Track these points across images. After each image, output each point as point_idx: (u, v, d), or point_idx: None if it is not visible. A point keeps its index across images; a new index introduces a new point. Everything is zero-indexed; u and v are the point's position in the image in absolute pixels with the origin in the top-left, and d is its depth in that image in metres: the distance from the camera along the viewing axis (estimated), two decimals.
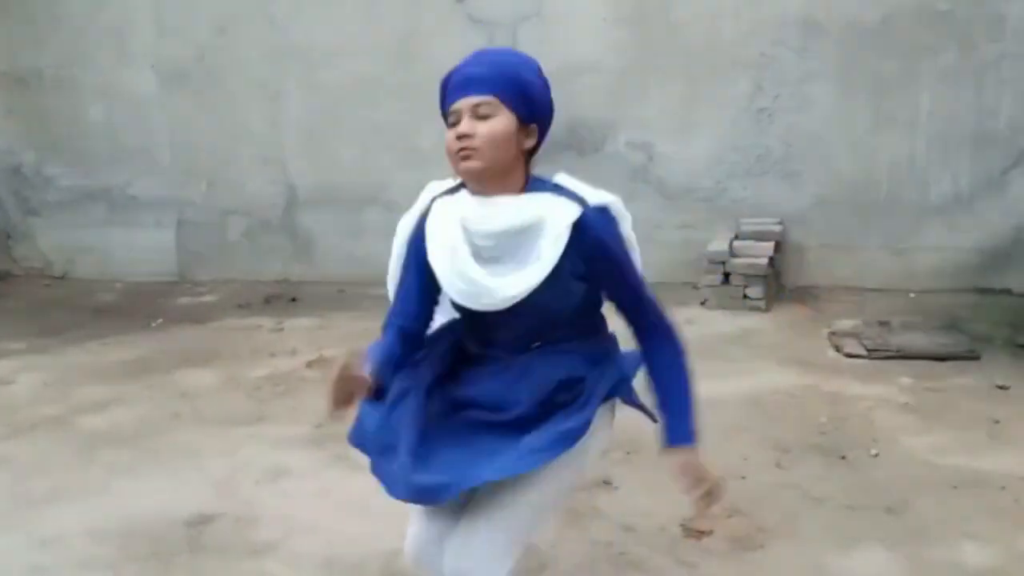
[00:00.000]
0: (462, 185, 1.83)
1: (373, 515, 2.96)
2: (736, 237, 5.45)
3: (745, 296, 5.20)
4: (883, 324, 4.82)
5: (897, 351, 4.38)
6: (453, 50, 6.69)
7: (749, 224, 5.55)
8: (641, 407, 1.92)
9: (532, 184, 1.79)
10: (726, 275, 5.24)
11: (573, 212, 1.72)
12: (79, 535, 2.88)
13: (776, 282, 5.50)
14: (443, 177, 5.79)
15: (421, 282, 1.86)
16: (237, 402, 4.06)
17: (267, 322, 5.34)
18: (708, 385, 4.17)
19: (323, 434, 3.64)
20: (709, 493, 1.82)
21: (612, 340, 1.95)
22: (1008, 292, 5.35)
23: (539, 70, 1.81)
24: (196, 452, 3.51)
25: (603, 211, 1.79)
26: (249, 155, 6.32)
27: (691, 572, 2.59)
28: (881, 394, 3.89)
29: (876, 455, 3.30)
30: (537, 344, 1.81)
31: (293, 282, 6.27)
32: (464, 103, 1.74)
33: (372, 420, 1.82)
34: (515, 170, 1.76)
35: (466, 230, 1.73)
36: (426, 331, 1.96)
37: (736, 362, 4.35)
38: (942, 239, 5.46)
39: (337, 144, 6.16)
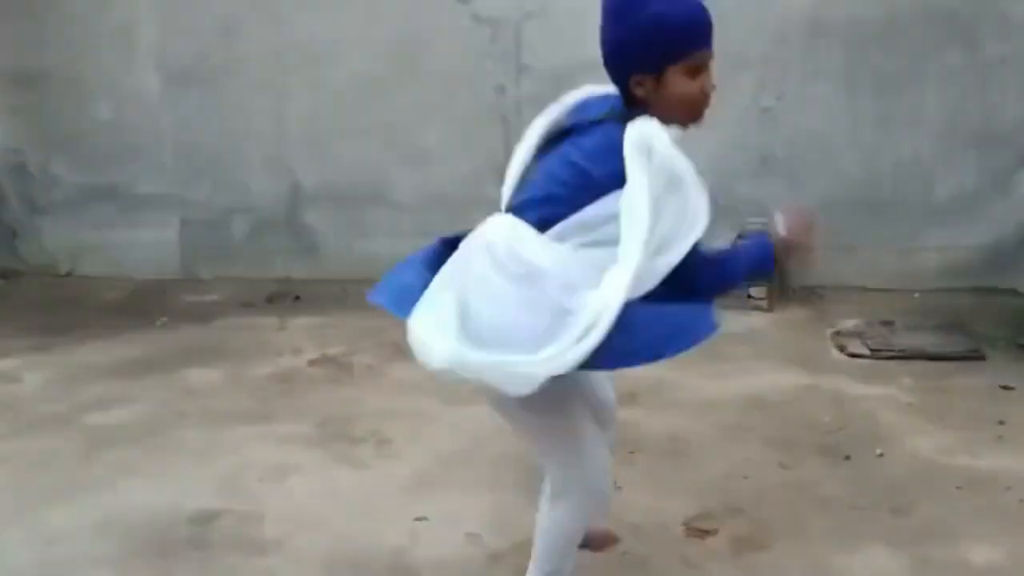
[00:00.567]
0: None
1: (377, 513, 2.97)
2: (739, 236, 5.43)
3: (748, 296, 5.20)
4: (887, 324, 4.82)
5: (901, 351, 4.38)
6: (456, 49, 6.71)
7: (753, 223, 5.54)
8: None
9: None
10: None
11: None
12: (84, 532, 2.89)
13: (780, 282, 5.49)
14: (447, 182, 5.82)
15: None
16: (241, 400, 4.06)
17: (271, 321, 5.35)
18: (711, 385, 4.20)
19: (328, 432, 3.65)
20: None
21: None
22: (1013, 292, 5.34)
23: None
24: (201, 450, 3.52)
25: None
26: (253, 154, 6.33)
27: (695, 572, 2.59)
28: (885, 394, 3.89)
29: (880, 455, 3.30)
30: None
31: (297, 281, 6.28)
32: (711, 55, 1.75)
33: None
34: None
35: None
36: None
37: (739, 362, 4.35)
38: (947, 239, 5.45)
39: (341, 143, 6.16)
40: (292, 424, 3.74)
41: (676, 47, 1.72)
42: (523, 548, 2.71)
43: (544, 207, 1.78)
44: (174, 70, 6.33)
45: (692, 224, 1.77)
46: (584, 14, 6.46)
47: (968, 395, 3.87)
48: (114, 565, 2.70)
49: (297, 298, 5.90)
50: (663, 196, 1.72)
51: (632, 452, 3.36)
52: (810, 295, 5.52)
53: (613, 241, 1.68)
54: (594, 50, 5.43)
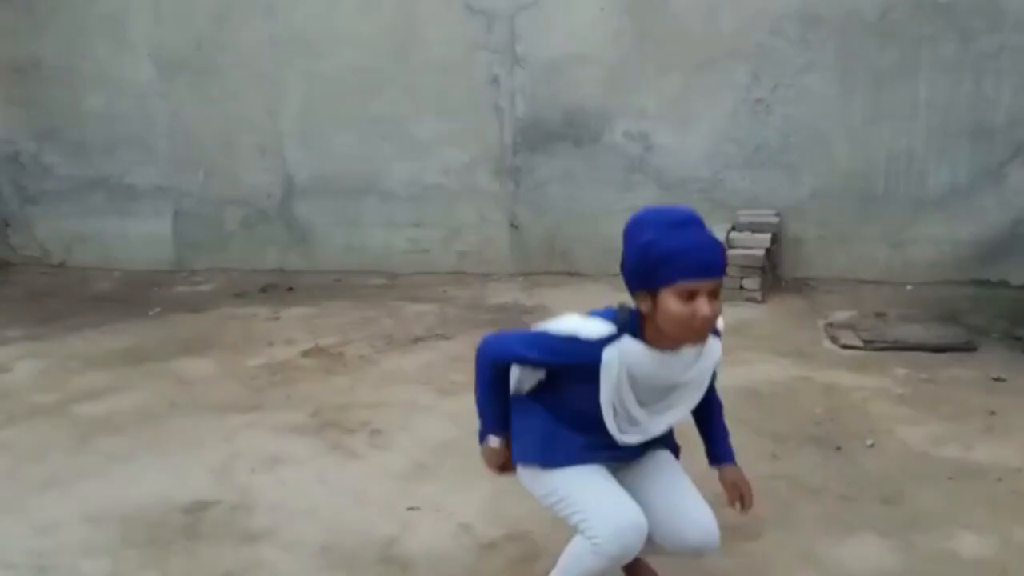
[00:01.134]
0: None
1: (369, 503, 2.97)
2: (733, 228, 5.45)
3: (741, 287, 5.21)
4: (880, 316, 4.83)
5: (893, 343, 4.39)
6: (451, 40, 6.70)
7: (746, 215, 5.55)
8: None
9: None
10: None
11: (718, 348, 2.09)
12: (77, 522, 2.89)
13: (772, 274, 5.51)
14: (439, 167, 5.84)
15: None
16: (234, 390, 4.06)
17: (264, 311, 5.34)
18: None
19: (320, 422, 3.65)
20: (747, 502, 2.21)
21: None
22: (1005, 284, 5.36)
23: None
24: (193, 440, 3.51)
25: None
26: (246, 145, 6.31)
27: (686, 560, 2.59)
28: (877, 385, 3.90)
29: (872, 446, 3.31)
30: None
31: (290, 271, 6.27)
32: (707, 285, 1.87)
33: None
34: None
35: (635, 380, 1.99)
36: None
37: (732, 353, 4.31)
38: (939, 231, 5.47)
39: (334, 134, 6.15)
40: (285, 414, 3.74)
41: (662, 274, 1.86)
42: (515, 538, 2.72)
43: None
44: (167, 60, 6.30)
45: None
46: (577, 6, 6.48)
47: (960, 386, 3.88)
48: (107, 554, 2.70)
49: (290, 289, 5.90)
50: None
51: None
52: (803, 287, 5.53)
53: None
54: (586, 41, 5.52)
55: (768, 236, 5.33)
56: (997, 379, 3.94)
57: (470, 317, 5.09)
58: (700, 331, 1.90)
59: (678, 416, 2.12)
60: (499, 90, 5.85)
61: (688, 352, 1.99)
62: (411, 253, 6.14)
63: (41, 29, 6.44)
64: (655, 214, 1.97)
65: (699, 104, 5.66)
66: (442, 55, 5.86)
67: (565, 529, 2.75)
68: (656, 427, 2.09)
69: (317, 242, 6.33)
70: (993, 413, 3.58)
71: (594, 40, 5.66)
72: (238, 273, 6.26)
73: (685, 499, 2.15)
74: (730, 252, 5.21)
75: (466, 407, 3.75)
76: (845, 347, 4.39)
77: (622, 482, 2.11)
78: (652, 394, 2.03)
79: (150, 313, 5.40)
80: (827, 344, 4.48)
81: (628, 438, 2.07)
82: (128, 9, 6.30)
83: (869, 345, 4.38)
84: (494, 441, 2.20)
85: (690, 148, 5.71)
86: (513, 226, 6.00)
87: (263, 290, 5.87)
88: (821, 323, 4.78)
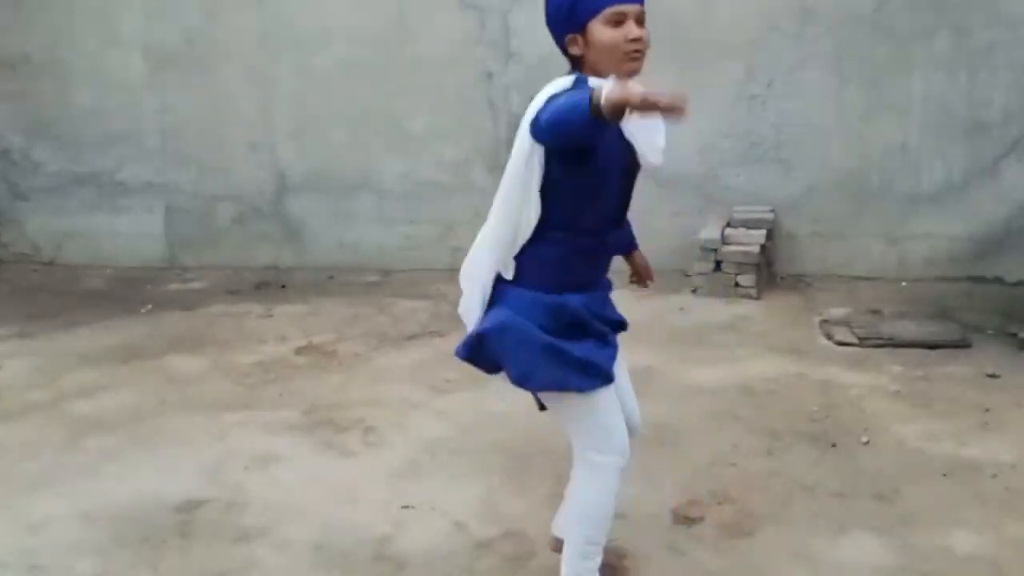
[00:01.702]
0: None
1: (363, 501, 2.96)
2: (728, 225, 5.44)
3: (736, 284, 5.20)
4: (874, 312, 4.83)
5: (888, 339, 4.39)
6: (444, 35, 6.67)
7: (741, 212, 5.54)
8: None
9: None
10: (717, 263, 5.24)
11: None
12: (68, 520, 2.87)
13: (768, 270, 5.50)
14: (432, 166, 5.84)
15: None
16: (226, 388, 4.04)
17: (256, 308, 5.32)
18: (699, 372, 4.21)
19: (312, 420, 3.64)
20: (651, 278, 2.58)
21: None
22: (1000, 281, 5.37)
23: None
24: (185, 438, 3.49)
25: None
26: (238, 140, 6.27)
27: (681, 559, 2.59)
28: (872, 382, 3.90)
29: (867, 443, 3.31)
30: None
31: (282, 268, 6.25)
32: (632, 9, 1.94)
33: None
34: None
35: None
36: None
37: (727, 350, 4.35)
38: (934, 227, 5.47)
39: (327, 129, 6.12)
40: (277, 412, 3.72)
41: (587, 4, 1.92)
42: (509, 536, 2.71)
43: None
44: (157, 55, 6.26)
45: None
46: None
47: (954, 383, 3.89)
48: (98, 553, 2.68)
49: (283, 286, 5.87)
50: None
51: None
52: (798, 283, 5.53)
53: None
54: None
55: (763, 232, 5.32)
56: (991, 376, 3.94)
57: None
58: (635, 56, 1.94)
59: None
60: (493, 86, 5.83)
61: None
62: (405, 250, 6.12)
63: (30, 24, 6.38)
64: None
65: (694, 100, 5.53)
66: (435, 50, 5.83)
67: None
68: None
69: (310, 239, 6.30)
70: (987, 410, 3.58)
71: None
72: (230, 270, 6.23)
73: (630, 391, 2.32)
74: (725, 249, 5.22)
75: (460, 404, 3.76)
76: (840, 344, 4.39)
77: None
78: None
79: (142, 310, 5.37)
80: (822, 341, 4.47)
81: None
82: (118, 3, 6.25)
83: (864, 342, 4.38)
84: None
85: (685, 144, 5.69)
86: None
87: (256, 287, 5.85)
88: (816, 320, 4.78)
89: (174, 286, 5.99)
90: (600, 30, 1.92)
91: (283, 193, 6.29)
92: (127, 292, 5.81)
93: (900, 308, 4.90)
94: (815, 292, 5.34)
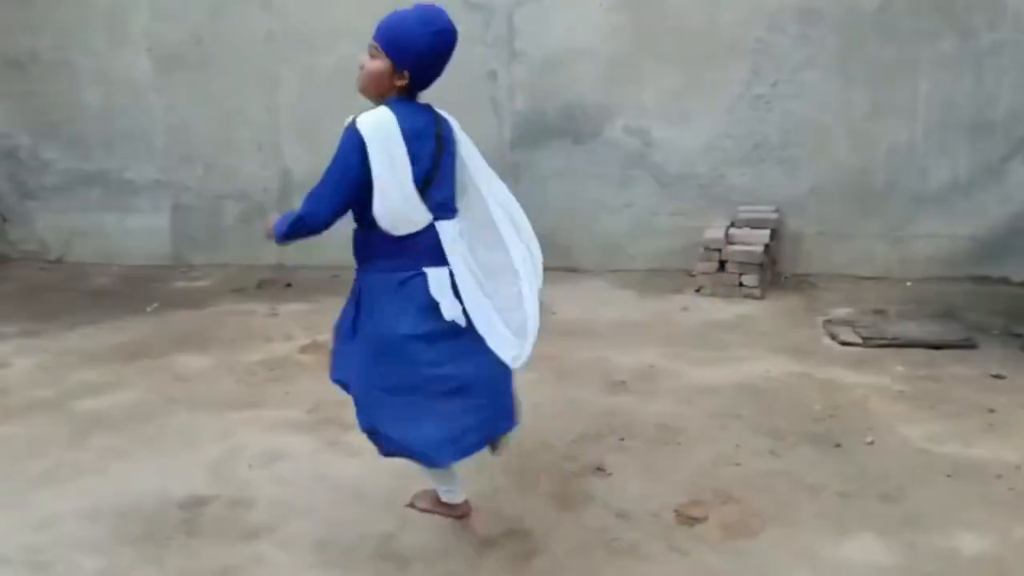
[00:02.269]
0: None
1: (367, 499, 2.97)
2: (732, 224, 5.44)
3: (740, 284, 5.20)
4: (879, 312, 4.83)
5: (893, 339, 4.38)
6: None
7: (745, 211, 5.54)
8: None
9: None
10: (722, 263, 5.24)
11: None
12: (73, 517, 2.88)
13: (772, 270, 5.50)
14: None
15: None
16: (231, 386, 4.05)
17: (262, 307, 5.33)
18: (702, 372, 4.20)
19: (317, 419, 3.64)
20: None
21: None
22: (1005, 281, 5.36)
23: (431, 30, 2.39)
24: (190, 436, 3.51)
25: None
26: (244, 139, 6.29)
27: (684, 558, 2.59)
28: (876, 382, 3.89)
29: (871, 443, 3.30)
30: None
31: (288, 267, 6.26)
32: (370, 42, 2.43)
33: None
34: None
35: None
36: None
37: (731, 349, 4.35)
38: (939, 227, 5.46)
39: (332, 128, 6.05)
40: (282, 410, 3.73)
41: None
42: (513, 535, 2.71)
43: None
44: (164, 55, 6.28)
45: None
46: (575, 2, 6.45)
47: (959, 383, 3.88)
48: (103, 550, 2.69)
49: (288, 284, 5.88)
50: None
51: (623, 439, 3.36)
52: (802, 283, 5.52)
53: None
54: (585, 37, 5.49)
55: (767, 232, 5.32)
56: (996, 376, 3.94)
57: None
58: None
59: None
60: (497, 85, 5.83)
61: None
62: None
63: (39, 23, 6.41)
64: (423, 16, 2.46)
65: (698, 99, 5.64)
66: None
67: (564, 527, 2.76)
68: None
69: (315, 237, 6.29)
70: (992, 411, 3.57)
71: (593, 35, 5.64)
72: (236, 268, 6.25)
73: None
74: (729, 249, 5.22)
75: None
76: (844, 344, 4.38)
77: None
78: None
79: (148, 309, 5.38)
80: (826, 341, 4.47)
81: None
82: (125, 4, 6.27)
83: (868, 342, 4.37)
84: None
85: (689, 144, 5.69)
86: None
87: (261, 286, 5.86)
88: (820, 320, 4.77)
89: (180, 284, 6.00)
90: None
91: (288, 192, 6.30)
92: (133, 290, 5.83)
93: (905, 308, 4.89)
94: (819, 292, 5.33)
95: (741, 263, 5.19)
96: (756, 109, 5.58)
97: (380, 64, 2.37)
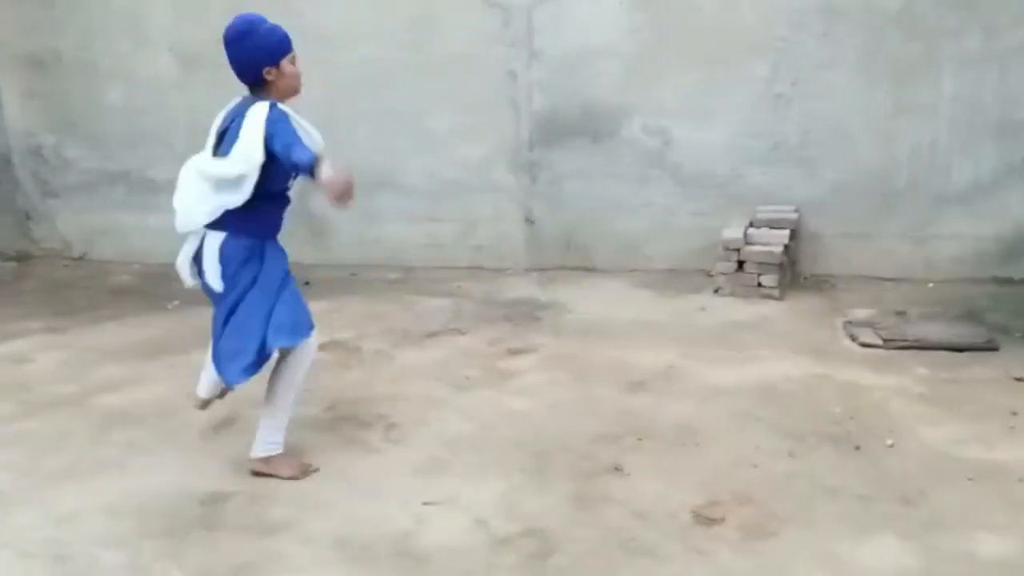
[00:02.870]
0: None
1: (385, 496, 2.98)
2: (751, 224, 5.41)
3: (759, 284, 5.17)
4: (900, 314, 4.79)
5: (914, 341, 4.34)
6: (468, 34, 6.67)
7: (765, 211, 5.51)
8: None
9: None
10: (740, 263, 5.21)
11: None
12: (95, 512, 2.92)
13: (791, 270, 5.46)
14: (456, 162, 5.92)
15: None
16: (251, 383, 4.06)
17: None
18: (720, 372, 4.19)
19: (336, 416, 3.66)
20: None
21: None
22: None
23: None
24: (211, 432, 3.54)
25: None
26: None
27: (702, 559, 2.58)
28: (897, 384, 3.86)
29: (891, 445, 3.28)
30: None
31: (306, 265, 6.26)
32: (295, 53, 3.14)
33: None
34: None
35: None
36: None
37: (749, 350, 4.33)
38: (962, 228, 5.40)
39: (351, 128, 6.15)
40: (301, 407, 3.73)
41: (282, 48, 3.14)
42: (531, 533, 2.72)
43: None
44: (186, 54, 6.32)
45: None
46: (594, 0, 6.40)
47: (981, 386, 3.84)
48: (125, 545, 2.72)
49: (306, 283, 5.90)
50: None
51: (641, 439, 3.36)
52: (822, 284, 5.49)
53: None
54: (604, 35, 5.50)
55: (787, 232, 5.28)
56: (1019, 379, 3.89)
57: (485, 312, 5.08)
58: (300, 85, 3.22)
59: None
60: (516, 84, 5.83)
61: None
62: (427, 247, 6.14)
63: (61, 23, 6.48)
64: (248, 23, 3.20)
65: (718, 99, 5.61)
66: (459, 49, 5.85)
67: (581, 526, 2.76)
68: None
69: (333, 236, 6.34)
70: (1015, 413, 3.54)
71: (612, 34, 5.63)
72: None
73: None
74: (748, 249, 5.20)
75: (481, 402, 3.77)
76: (864, 345, 4.35)
77: None
78: None
79: (169, 306, 5.43)
80: (846, 342, 4.44)
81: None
82: (147, 3, 6.33)
83: (889, 344, 4.33)
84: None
85: (709, 143, 5.66)
86: (529, 221, 5.99)
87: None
88: (840, 321, 4.74)
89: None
90: (288, 66, 3.12)
91: (308, 190, 6.31)
92: (155, 288, 5.88)
93: (926, 310, 4.85)
94: (839, 293, 5.29)
95: (760, 263, 5.16)
96: (776, 108, 5.55)
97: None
